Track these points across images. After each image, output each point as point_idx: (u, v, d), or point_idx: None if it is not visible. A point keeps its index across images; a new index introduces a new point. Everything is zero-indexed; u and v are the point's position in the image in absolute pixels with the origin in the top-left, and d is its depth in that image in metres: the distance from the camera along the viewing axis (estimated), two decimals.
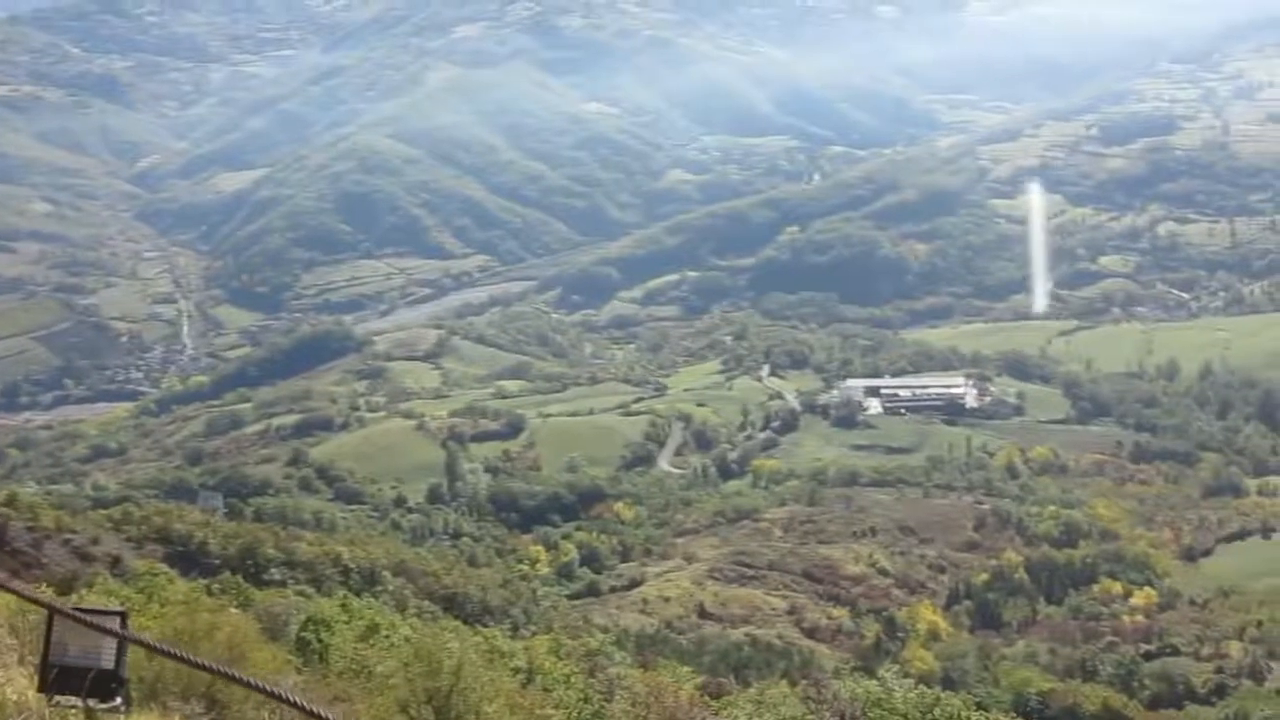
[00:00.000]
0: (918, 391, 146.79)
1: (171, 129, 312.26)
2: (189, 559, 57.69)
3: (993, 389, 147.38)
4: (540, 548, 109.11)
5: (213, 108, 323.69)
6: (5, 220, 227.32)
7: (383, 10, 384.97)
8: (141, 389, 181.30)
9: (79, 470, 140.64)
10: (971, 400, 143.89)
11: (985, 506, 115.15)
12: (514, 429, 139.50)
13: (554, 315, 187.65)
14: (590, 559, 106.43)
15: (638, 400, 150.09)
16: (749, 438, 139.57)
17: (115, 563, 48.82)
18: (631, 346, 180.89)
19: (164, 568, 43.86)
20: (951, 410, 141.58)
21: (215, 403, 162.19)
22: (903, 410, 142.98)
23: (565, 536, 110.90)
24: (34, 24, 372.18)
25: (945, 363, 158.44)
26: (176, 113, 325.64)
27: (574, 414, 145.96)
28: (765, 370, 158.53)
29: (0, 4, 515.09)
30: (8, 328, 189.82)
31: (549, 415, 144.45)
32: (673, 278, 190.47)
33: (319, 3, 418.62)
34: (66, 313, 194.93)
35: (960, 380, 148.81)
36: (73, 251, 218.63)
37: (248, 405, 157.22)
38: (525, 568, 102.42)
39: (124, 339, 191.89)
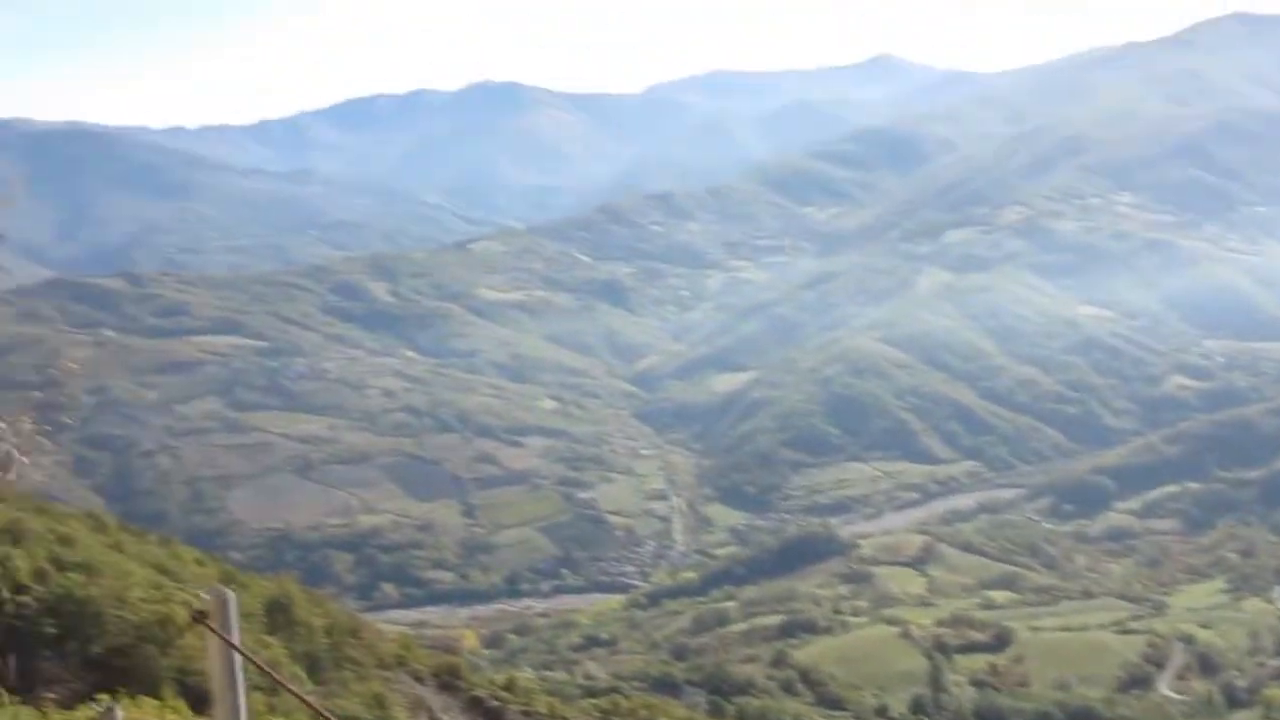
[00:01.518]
0: None
1: (669, 331, 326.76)
2: None
3: None
4: None
5: (708, 312, 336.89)
6: (517, 416, 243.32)
7: (874, 217, 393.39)
8: (633, 582, 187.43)
9: (571, 658, 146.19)
10: None
11: None
12: (1001, 642, 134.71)
13: (1045, 525, 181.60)
14: None
15: (1135, 618, 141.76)
16: (1260, 664, 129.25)
17: None
18: (1128, 560, 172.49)
19: None
20: None
21: (702, 599, 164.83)
22: None
23: None
24: (548, 234, 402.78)
25: None
26: (675, 316, 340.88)
27: (1065, 629, 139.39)
28: (1277, 591, 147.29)
29: (521, 216, 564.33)
30: (514, 518, 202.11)
31: (1039, 629, 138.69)
32: (1172, 489, 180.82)
33: (812, 211, 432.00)
34: (567, 505, 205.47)
35: None
36: (575, 447, 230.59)
37: (733, 603, 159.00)
38: None
39: (619, 533, 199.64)
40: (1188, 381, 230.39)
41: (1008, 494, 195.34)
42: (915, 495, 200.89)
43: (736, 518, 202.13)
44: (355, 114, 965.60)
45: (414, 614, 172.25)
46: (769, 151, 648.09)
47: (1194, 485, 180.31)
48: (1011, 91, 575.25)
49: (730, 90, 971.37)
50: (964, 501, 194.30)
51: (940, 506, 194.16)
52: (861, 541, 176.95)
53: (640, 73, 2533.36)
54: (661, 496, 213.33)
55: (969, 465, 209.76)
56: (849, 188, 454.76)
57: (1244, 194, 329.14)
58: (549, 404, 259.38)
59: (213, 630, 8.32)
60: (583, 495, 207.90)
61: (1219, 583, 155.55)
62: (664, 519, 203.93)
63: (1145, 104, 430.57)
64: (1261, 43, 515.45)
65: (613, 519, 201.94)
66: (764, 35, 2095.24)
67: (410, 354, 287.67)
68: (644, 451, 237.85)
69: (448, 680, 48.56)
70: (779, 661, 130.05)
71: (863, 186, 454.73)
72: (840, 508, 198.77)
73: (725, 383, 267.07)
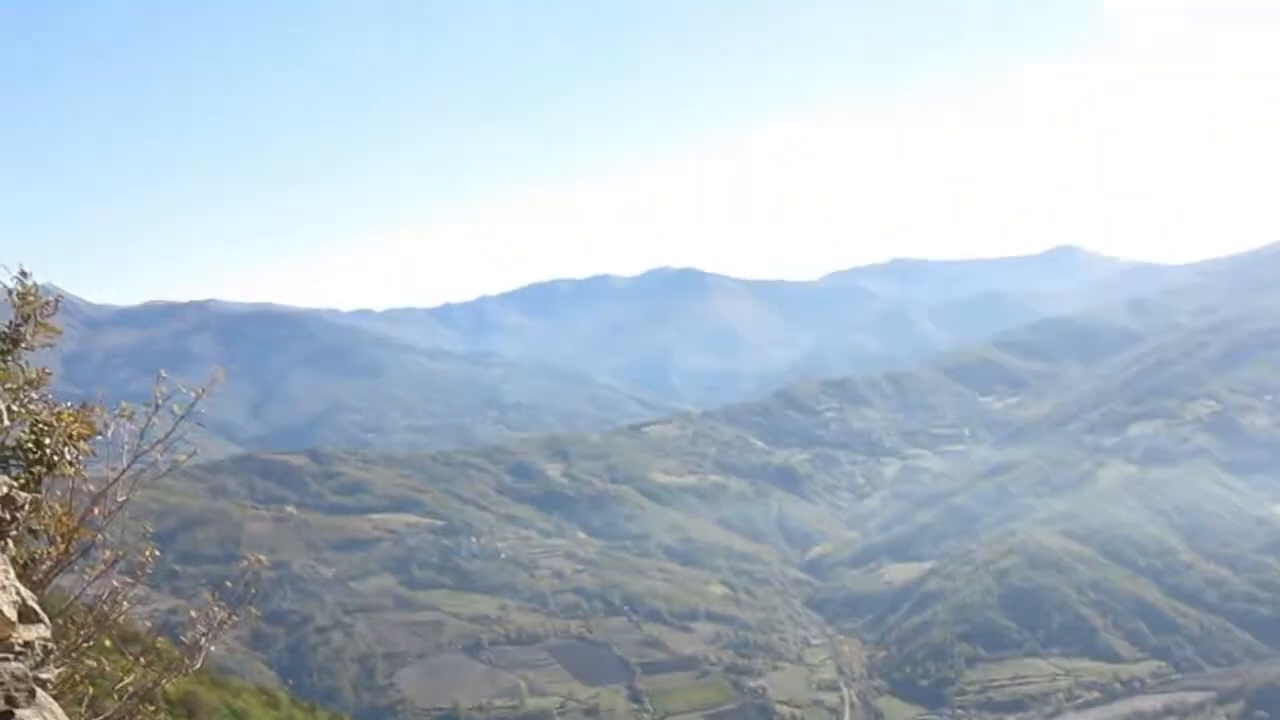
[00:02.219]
0: None
1: (843, 519, 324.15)
2: None
3: None
4: None
5: (884, 500, 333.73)
6: (687, 600, 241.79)
7: (1055, 408, 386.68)
8: None
9: None
10: None
11: None
12: None
13: None
14: None
15: None
16: None
17: None
18: None
19: None
20: None
21: None
22: None
23: None
24: (723, 419, 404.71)
25: None
26: (849, 504, 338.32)
27: None
28: None
29: (698, 401, 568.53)
30: (681, 704, 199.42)
31: None
32: None
33: (992, 400, 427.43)
34: (735, 693, 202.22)
35: None
36: (745, 634, 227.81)
37: None
38: None
39: None
40: None
41: (1195, 697, 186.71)
42: (1096, 695, 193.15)
43: (909, 711, 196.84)
44: (536, 297, 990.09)
45: None
46: (949, 340, 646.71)
47: None
48: (1200, 283, 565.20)
49: (911, 277, 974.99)
50: (1149, 703, 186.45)
51: (1124, 707, 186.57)
52: None
53: (820, 259, 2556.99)
54: (832, 687, 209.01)
55: (1154, 665, 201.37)
56: (1030, 378, 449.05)
57: None
58: (719, 589, 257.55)
59: None
60: (752, 684, 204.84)
61: None
62: (834, 710, 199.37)
63: None
64: None
65: (782, 709, 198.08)
66: (945, 223, 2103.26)
67: (582, 535, 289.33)
68: (814, 641, 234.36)
69: None
70: None
71: (1044, 377, 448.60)
72: (1017, 705, 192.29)
73: (899, 572, 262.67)
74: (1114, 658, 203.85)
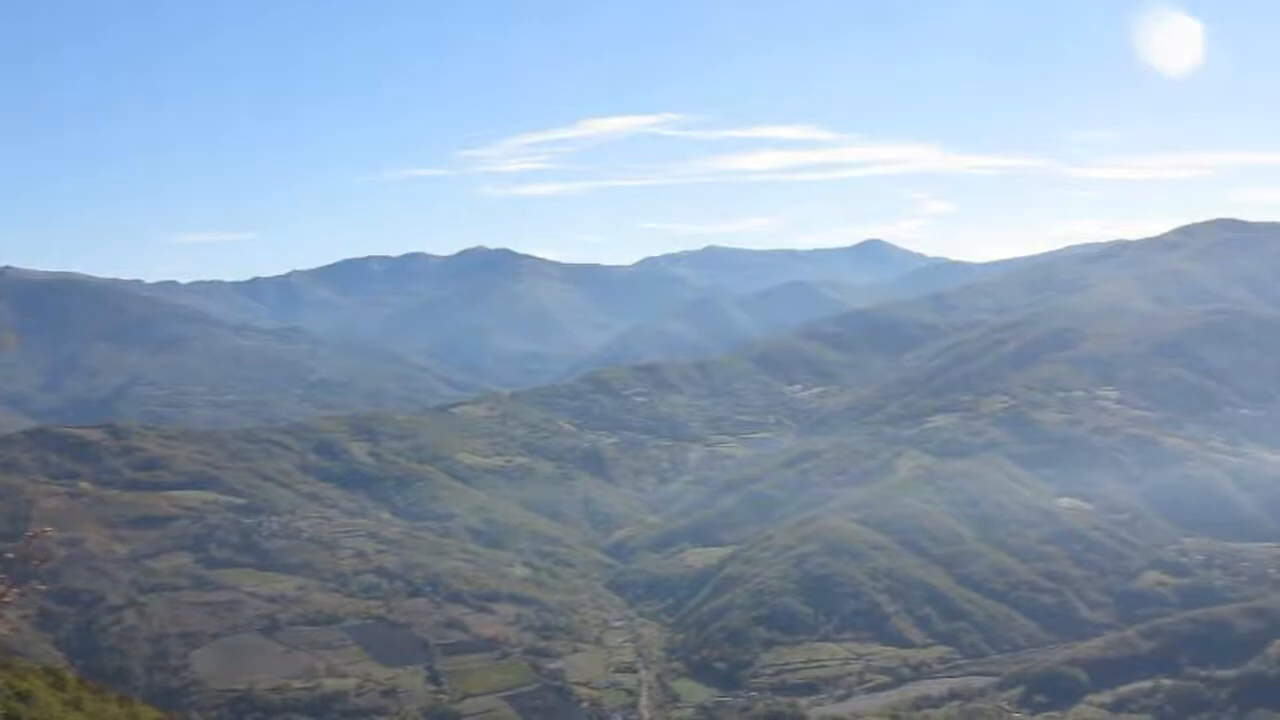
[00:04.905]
0: None
1: (647, 503, 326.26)
2: None
3: None
4: None
5: (688, 485, 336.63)
6: (489, 582, 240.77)
7: (858, 399, 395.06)
8: None
9: None
10: None
11: None
12: None
13: (1016, 714, 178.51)
14: None
15: None
16: None
17: None
18: None
19: None
20: None
21: None
22: None
23: None
24: (532, 401, 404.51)
25: None
26: (654, 488, 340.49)
27: None
28: None
29: (508, 382, 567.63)
30: (479, 685, 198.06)
31: None
32: (1146, 685, 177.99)
33: (797, 389, 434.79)
34: (534, 675, 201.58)
35: None
36: (546, 616, 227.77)
37: None
38: None
39: (584, 704, 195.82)
40: (1165, 578, 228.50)
41: (979, 682, 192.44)
42: (886, 679, 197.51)
43: (705, 694, 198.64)
44: (349, 274, 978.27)
45: None
46: (759, 329, 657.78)
47: (1168, 682, 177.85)
48: (1000, 283, 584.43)
49: (723, 266, 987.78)
50: (936, 687, 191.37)
51: (912, 691, 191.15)
52: None
53: (634, 246, 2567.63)
54: (630, 669, 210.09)
55: (942, 650, 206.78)
56: (835, 369, 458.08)
57: (1228, 395, 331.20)
58: (522, 571, 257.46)
59: None
60: (551, 665, 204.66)
61: None
62: (631, 692, 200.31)
63: (1132, 301, 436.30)
64: (1248, 249, 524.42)
65: (579, 690, 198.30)
66: (757, 214, 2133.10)
67: (386, 515, 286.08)
68: (615, 623, 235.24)
69: None
70: None
71: (849, 368, 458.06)
72: (810, 688, 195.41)
73: (700, 557, 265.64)
74: (904, 643, 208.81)
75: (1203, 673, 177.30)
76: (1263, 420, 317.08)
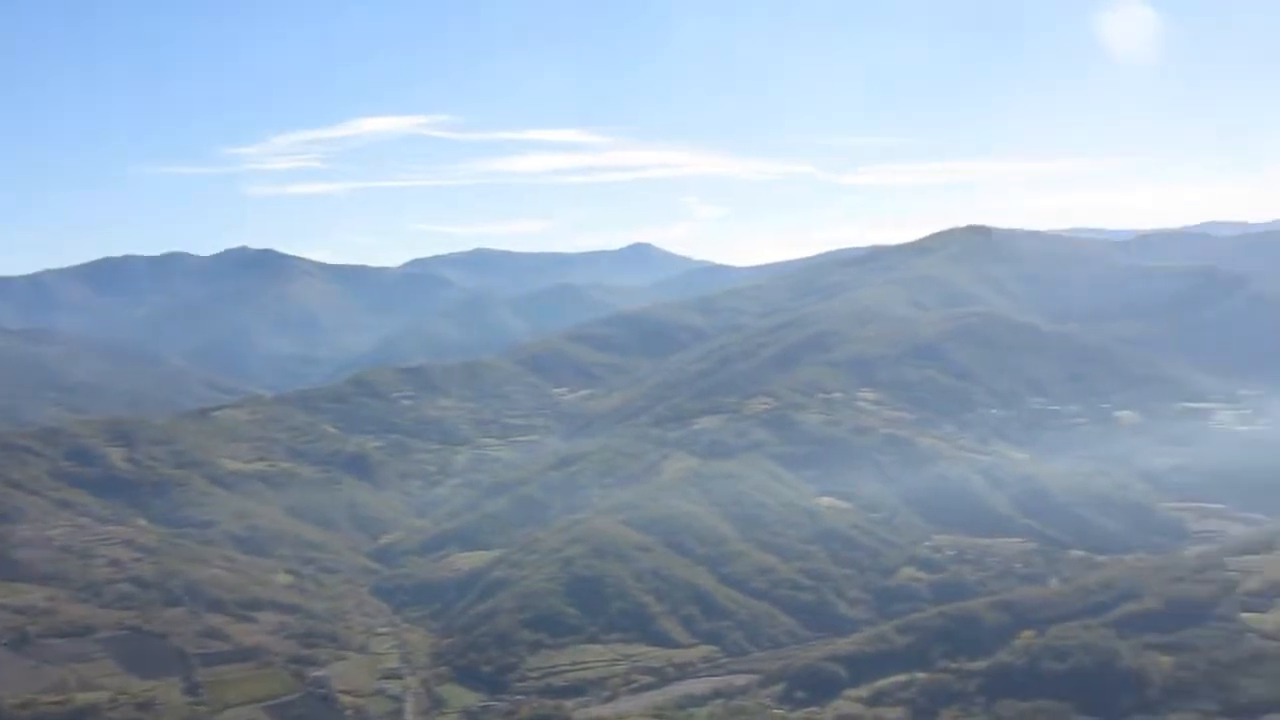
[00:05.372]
0: None
1: (414, 507, 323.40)
2: None
3: None
4: None
5: (455, 488, 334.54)
6: (251, 590, 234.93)
7: (625, 401, 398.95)
8: None
9: None
10: None
11: None
12: None
13: (777, 711, 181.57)
14: None
15: None
16: None
17: None
18: None
19: None
20: None
21: None
22: None
23: None
24: (296, 404, 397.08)
25: None
26: (420, 492, 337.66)
27: None
28: None
29: (273, 385, 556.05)
30: (239, 696, 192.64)
31: None
32: (901, 678, 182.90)
33: (564, 391, 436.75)
34: (297, 684, 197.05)
35: None
36: (310, 623, 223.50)
37: None
38: None
39: (349, 712, 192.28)
40: (919, 574, 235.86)
41: (742, 679, 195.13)
42: (652, 679, 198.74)
43: (471, 698, 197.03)
44: (105, 273, 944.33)
45: None
46: (527, 331, 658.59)
47: (921, 675, 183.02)
48: (765, 287, 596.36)
49: (492, 268, 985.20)
50: (699, 686, 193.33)
51: (676, 691, 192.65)
52: None
53: (404, 247, 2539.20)
54: (395, 676, 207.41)
55: (706, 650, 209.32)
56: (602, 371, 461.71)
57: (978, 396, 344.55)
58: (285, 578, 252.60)
59: None
60: (315, 673, 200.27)
61: None
62: (396, 699, 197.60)
63: (888, 305, 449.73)
64: (995, 254, 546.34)
65: (344, 698, 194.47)
66: (527, 217, 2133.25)
67: (142, 522, 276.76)
68: (381, 629, 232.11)
69: None
70: None
71: (616, 370, 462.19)
72: (576, 690, 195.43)
73: (467, 560, 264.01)
74: (670, 643, 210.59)
75: (954, 665, 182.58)
76: (1011, 420, 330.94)
